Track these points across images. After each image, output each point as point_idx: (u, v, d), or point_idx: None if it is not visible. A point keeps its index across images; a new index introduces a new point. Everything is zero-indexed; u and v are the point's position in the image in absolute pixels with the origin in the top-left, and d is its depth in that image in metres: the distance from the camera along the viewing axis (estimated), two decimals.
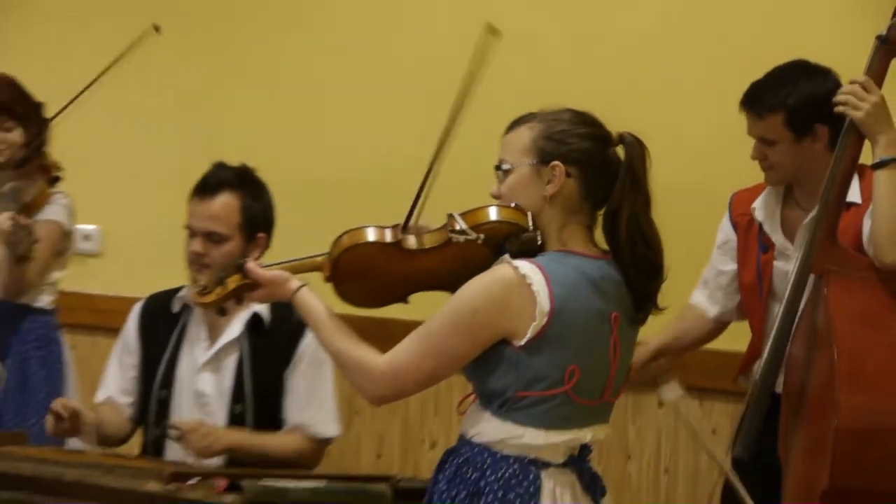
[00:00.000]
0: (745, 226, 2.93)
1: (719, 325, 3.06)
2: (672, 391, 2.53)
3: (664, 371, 3.02)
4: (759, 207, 2.86)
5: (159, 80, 4.27)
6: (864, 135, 2.57)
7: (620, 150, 2.15)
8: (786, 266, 2.79)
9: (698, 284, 3.07)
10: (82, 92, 3.37)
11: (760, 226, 2.86)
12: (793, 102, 2.71)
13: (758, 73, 2.89)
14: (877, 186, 2.57)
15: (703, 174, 3.43)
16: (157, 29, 3.37)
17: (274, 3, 4.22)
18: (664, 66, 3.72)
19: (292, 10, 4.17)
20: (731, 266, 2.96)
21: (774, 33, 3.42)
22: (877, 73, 2.61)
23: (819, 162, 2.73)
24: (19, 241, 3.28)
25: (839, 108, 2.60)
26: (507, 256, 2.08)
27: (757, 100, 2.79)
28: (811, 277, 2.65)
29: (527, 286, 2.02)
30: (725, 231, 2.99)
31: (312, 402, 3.04)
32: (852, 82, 2.58)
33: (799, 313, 2.71)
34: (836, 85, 2.72)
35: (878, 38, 2.59)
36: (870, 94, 2.55)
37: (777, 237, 2.84)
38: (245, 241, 2.97)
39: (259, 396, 2.99)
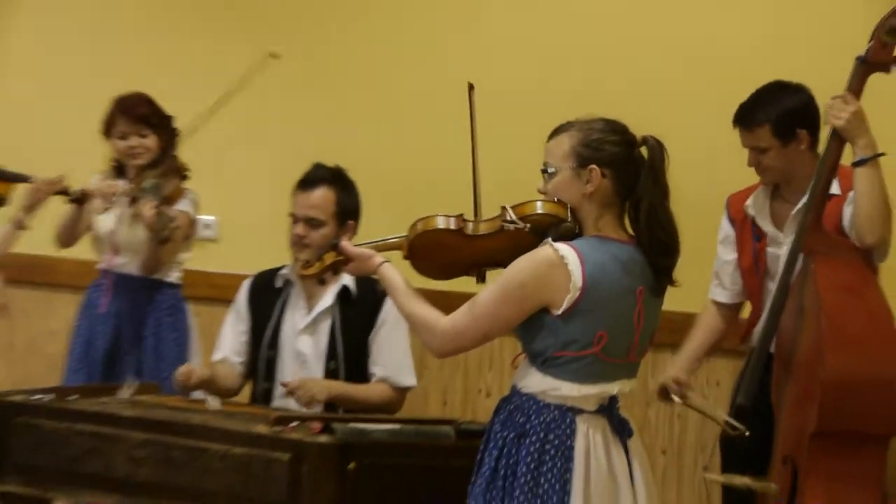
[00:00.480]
0: (740, 221, 3.21)
1: (734, 310, 3.33)
2: (686, 396, 3.20)
3: (685, 387, 3.26)
4: (750, 205, 3.15)
5: (268, 95, 4.45)
6: (846, 139, 2.85)
7: (644, 151, 2.38)
8: (777, 251, 3.08)
9: (711, 281, 3.35)
10: (210, 111, 3.67)
11: (753, 220, 3.14)
12: (776, 115, 3.01)
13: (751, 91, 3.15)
14: (857, 180, 2.83)
15: (708, 177, 3.65)
16: (274, 56, 3.58)
17: (364, 18, 4.46)
18: (681, 85, 3.96)
19: (381, 25, 4.42)
20: (732, 255, 3.25)
21: (764, 58, 3.63)
22: (856, 88, 2.87)
23: (803, 160, 3.04)
24: (162, 227, 3.60)
25: (832, 116, 2.87)
26: (549, 240, 2.33)
27: (746, 117, 3.09)
28: (800, 257, 2.92)
29: (564, 265, 2.26)
30: (725, 228, 3.28)
31: (394, 358, 3.36)
32: (834, 97, 2.86)
33: (787, 289, 2.96)
34: (809, 97, 3.07)
35: (858, 58, 2.85)
36: (849, 105, 2.82)
37: (768, 228, 3.12)
38: (337, 226, 3.31)
39: (349, 355, 3.33)
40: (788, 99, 3.05)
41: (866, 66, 2.84)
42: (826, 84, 2.97)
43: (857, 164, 2.80)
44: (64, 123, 4.62)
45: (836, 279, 2.82)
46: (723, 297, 3.30)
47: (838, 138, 2.84)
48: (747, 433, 3.02)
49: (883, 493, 2.91)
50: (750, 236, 3.18)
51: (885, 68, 2.87)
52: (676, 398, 3.17)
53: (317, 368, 3.34)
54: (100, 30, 4.92)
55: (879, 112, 2.97)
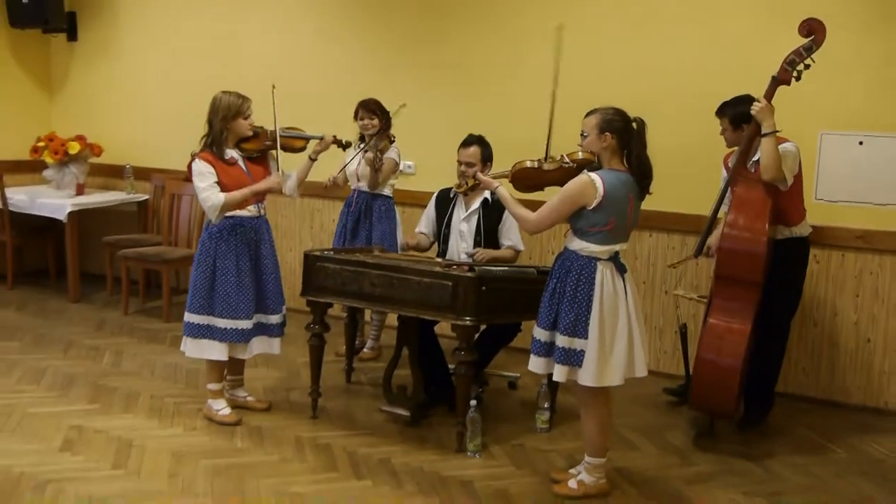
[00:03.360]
0: (728, 168, 4.08)
1: None
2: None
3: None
4: (731, 159, 4.02)
5: (441, 92, 5.54)
6: (759, 122, 3.75)
7: (634, 125, 3.18)
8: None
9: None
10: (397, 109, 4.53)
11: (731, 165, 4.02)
12: (732, 114, 3.90)
13: (731, 89, 4.10)
14: (762, 145, 3.77)
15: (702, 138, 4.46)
16: (559, 28, 3.66)
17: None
18: (686, 86, 4.78)
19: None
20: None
21: (738, 66, 4.41)
22: (768, 95, 3.75)
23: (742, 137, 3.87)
24: (378, 164, 4.70)
25: (752, 110, 3.72)
26: (586, 171, 3.20)
27: (720, 111, 3.98)
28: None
29: (593, 184, 3.11)
30: (723, 173, 4.17)
31: (514, 234, 4.40)
32: (756, 100, 3.73)
33: (722, 198, 3.94)
34: (752, 103, 3.83)
35: (773, 77, 3.74)
36: (761, 104, 3.71)
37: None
38: (482, 166, 4.32)
39: (488, 234, 4.42)
40: (740, 106, 3.93)
41: (776, 82, 3.77)
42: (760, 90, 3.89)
43: (763, 136, 3.79)
44: (327, 109, 5.48)
45: (743, 194, 3.83)
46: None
47: (755, 121, 3.79)
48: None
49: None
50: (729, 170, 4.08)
51: (787, 83, 3.77)
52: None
53: (470, 241, 4.45)
54: (328, 40, 5.95)
55: (781, 106, 3.88)
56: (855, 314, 4.59)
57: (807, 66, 3.72)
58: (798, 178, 3.93)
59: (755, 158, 3.86)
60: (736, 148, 3.96)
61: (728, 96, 4.08)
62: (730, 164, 4.05)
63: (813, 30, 3.64)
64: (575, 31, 4.93)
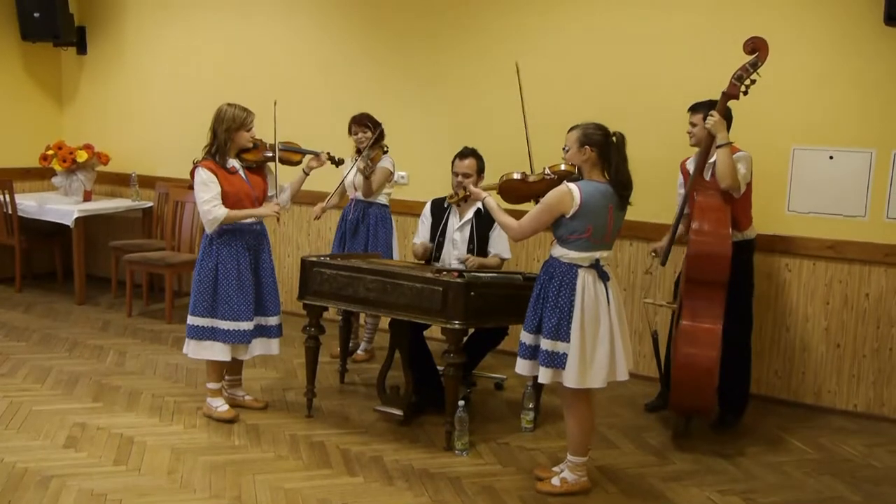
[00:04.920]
0: (685, 173, 4.12)
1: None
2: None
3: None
4: (689, 164, 4.05)
5: (437, 107, 5.51)
6: (713, 134, 3.79)
7: (614, 139, 3.18)
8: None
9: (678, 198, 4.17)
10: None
11: (689, 172, 4.06)
12: (706, 112, 3.91)
13: (698, 92, 4.15)
14: (718, 156, 3.80)
15: (670, 148, 4.45)
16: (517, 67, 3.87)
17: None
18: (653, 89, 4.77)
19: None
20: (682, 191, 4.15)
21: (711, 71, 4.20)
22: (720, 109, 3.78)
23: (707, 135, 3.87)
24: (369, 172, 4.67)
25: (706, 123, 3.78)
26: (566, 182, 3.20)
27: (695, 109, 4.01)
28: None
29: (571, 193, 3.13)
30: (679, 178, 4.19)
31: (500, 243, 4.40)
32: (709, 114, 3.77)
33: (683, 208, 3.97)
34: (726, 112, 3.85)
35: (723, 92, 3.76)
36: (714, 118, 3.75)
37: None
38: (477, 178, 4.33)
39: (480, 242, 4.46)
40: (710, 107, 3.94)
41: (725, 97, 3.81)
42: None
43: (718, 147, 3.82)
44: (323, 124, 5.61)
45: (703, 202, 3.87)
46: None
47: (709, 133, 3.83)
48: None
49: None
50: (689, 178, 4.12)
51: (735, 97, 3.80)
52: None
53: (463, 249, 4.46)
54: (329, 61, 5.91)
55: (755, 122, 3.98)
56: (825, 320, 4.60)
57: (752, 82, 3.75)
58: (749, 186, 3.97)
59: (711, 160, 3.91)
60: (696, 152, 4.02)
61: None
62: (688, 169, 4.09)
63: (757, 47, 3.67)
64: (565, 48, 5.03)
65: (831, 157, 4.44)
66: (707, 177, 3.98)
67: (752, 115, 4.16)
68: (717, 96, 3.89)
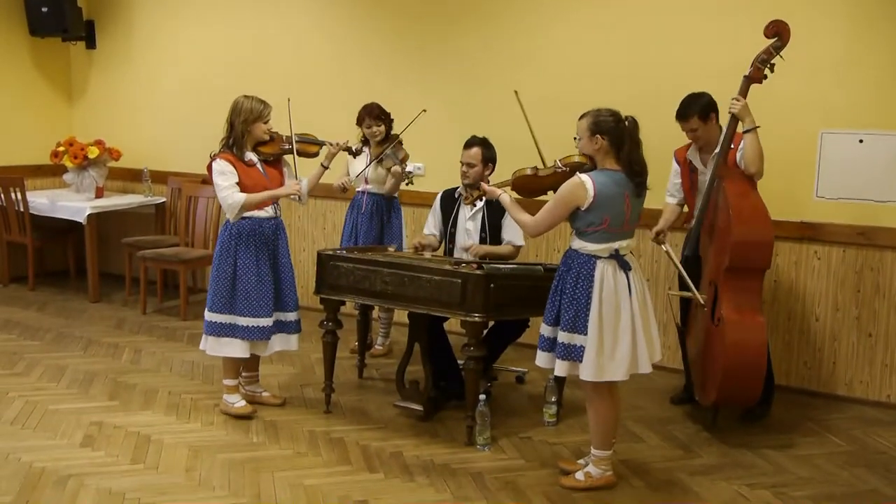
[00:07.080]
0: (682, 162, 4.04)
1: (679, 206, 4.20)
2: (665, 244, 3.96)
3: (664, 236, 4.22)
4: (689, 155, 3.99)
5: (451, 103, 5.48)
6: (738, 119, 3.72)
7: (626, 124, 3.12)
8: (704, 178, 3.96)
9: (666, 193, 4.16)
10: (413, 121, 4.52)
11: (690, 162, 4.01)
12: (699, 108, 3.87)
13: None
14: (745, 141, 3.75)
15: (663, 140, 4.15)
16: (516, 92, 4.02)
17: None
18: (656, 86, 4.71)
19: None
20: (678, 179, 4.11)
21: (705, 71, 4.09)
22: (743, 92, 3.72)
23: (715, 131, 3.88)
24: (404, 177, 4.64)
25: (729, 108, 3.70)
26: (579, 173, 3.17)
27: (683, 113, 3.93)
28: (717, 180, 3.83)
29: (583, 185, 3.10)
30: (674, 166, 4.13)
31: (513, 230, 4.37)
32: (733, 98, 3.71)
33: (710, 196, 3.90)
34: (710, 97, 3.85)
35: (744, 76, 3.72)
36: (739, 101, 3.69)
37: (699, 165, 3.98)
38: (484, 167, 4.32)
39: (491, 231, 4.43)
40: (701, 99, 3.93)
41: (748, 80, 3.77)
42: (727, 91, 3.87)
43: (745, 132, 3.76)
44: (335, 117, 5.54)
45: (736, 189, 3.80)
46: (673, 200, 4.21)
47: (734, 119, 3.78)
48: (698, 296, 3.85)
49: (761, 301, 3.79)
50: (688, 171, 4.09)
51: (759, 82, 3.76)
52: (662, 246, 4.10)
53: (476, 238, 4.45)
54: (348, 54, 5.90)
55: (756, 103, 3.83)
56: (856, 309, 4.55)
57: (772, 66, 3.74)
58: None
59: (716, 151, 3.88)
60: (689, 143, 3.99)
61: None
62: (688, 158, 4.05)
63: (779, 30, 3.67)
64: (577, 35, 5.00)
65: (861, 141, 4.40)
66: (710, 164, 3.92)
67: (779, 100, 4.13)
68: (738, 80, 3.84)
